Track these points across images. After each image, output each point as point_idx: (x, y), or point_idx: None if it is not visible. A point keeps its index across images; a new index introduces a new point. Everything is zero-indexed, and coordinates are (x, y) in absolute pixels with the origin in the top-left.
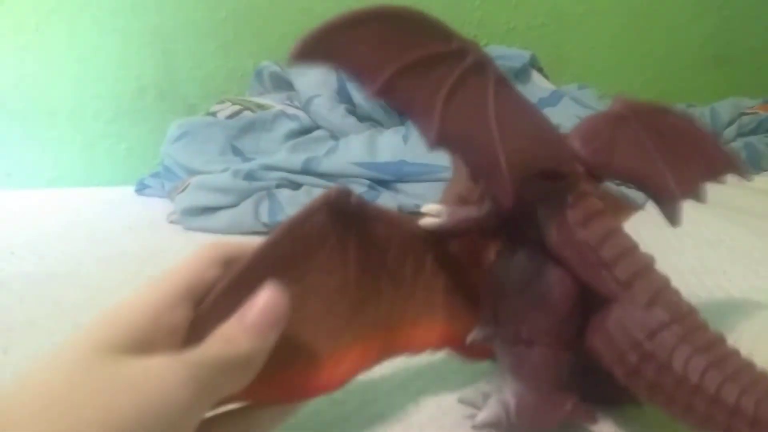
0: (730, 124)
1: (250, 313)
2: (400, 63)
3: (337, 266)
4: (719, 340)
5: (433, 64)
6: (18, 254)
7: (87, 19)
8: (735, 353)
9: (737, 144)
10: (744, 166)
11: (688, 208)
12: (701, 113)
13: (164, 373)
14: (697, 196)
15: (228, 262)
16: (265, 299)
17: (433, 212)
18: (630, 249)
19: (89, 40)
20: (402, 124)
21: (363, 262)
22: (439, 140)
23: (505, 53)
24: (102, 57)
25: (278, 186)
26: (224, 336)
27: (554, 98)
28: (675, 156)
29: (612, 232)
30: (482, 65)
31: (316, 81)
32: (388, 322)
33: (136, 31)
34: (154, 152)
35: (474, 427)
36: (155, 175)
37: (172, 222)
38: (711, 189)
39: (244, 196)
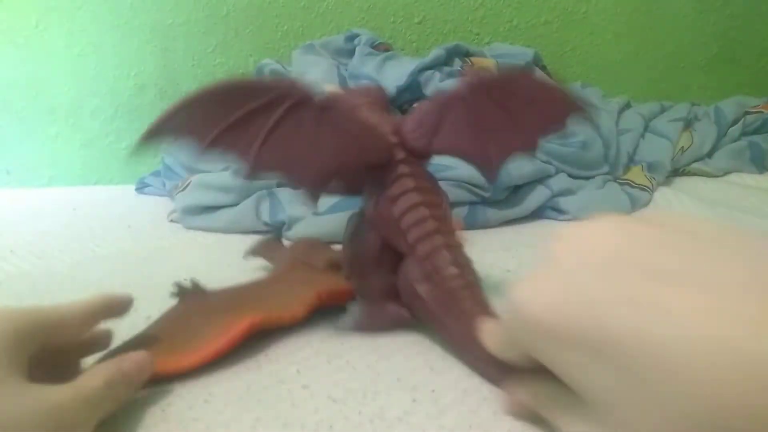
0: (734, 122)
1: (125, 363)
2: (223, 125)
3: (220, 306)
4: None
5: (251, 118)
6: (17, 253)
7: (86, 17)
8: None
9: (742, 143)
10: (589, 108)
11: (691, 208)
12: (705, 112)
13: (58, 397)
14: (533, 151)
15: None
16: (138, 357)
17: None
18: (422, 219)
19: (88, 38)
20: None
21: (231, 302)
22: (252, 171)
23: (508, 51)
24: (101, 54)
25: (279, 185)
26: (104, 374)
27: None
28: (513, 119)
29: (412, 206)
30: (301, 103)
31: (317, 79)
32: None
33: (135, 28)
34: (154, 150)
35: (337, 328)
36: (155, 173)
37: (172, 221)
38: (715, 189)
39: (245, 195)
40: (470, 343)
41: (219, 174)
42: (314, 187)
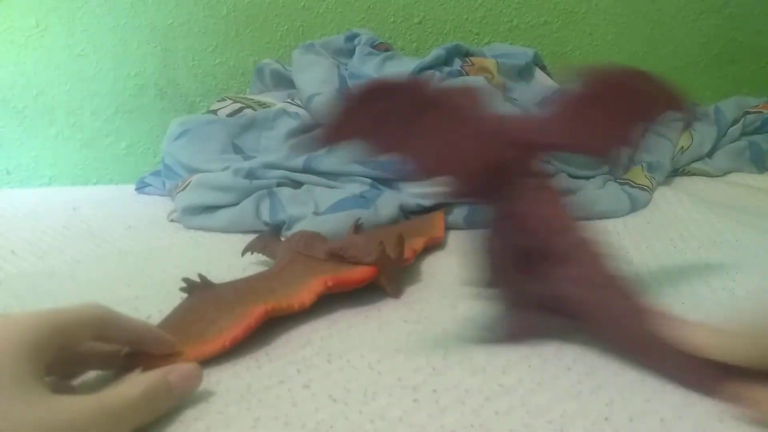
0: (734, 122)
1: (173, 374)
2: (392, 126)
3: (229, 298)
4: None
5: (408, 115)
6: (17, 253)
7: (86, 17)
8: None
9: (742, 143)
10: (688, 106)
11: (692, 210)
12: (706, 112)
13: (80, 408)
14: (634, 142)
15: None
16: (188, 369)
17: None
18: (571, 223)
19: (88, 38)
20: None
21: (240, 294)
22: (420, 174)
23: (508, 51)
24: (101, 54)
25: (279, 185)
26: (145, 385)
27: None
28: (618, 113)
29: (560, 210)
30: (436, 101)
31: (317, 79)
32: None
33: (135, 28)
34: (155, 150)
35: (477, 340)
36: (156, 173)
37: (172, 221)
38: (715, 189)
39: (245, 194)
40: (663, 347)
41: (219, 174)
42: (469, 189)
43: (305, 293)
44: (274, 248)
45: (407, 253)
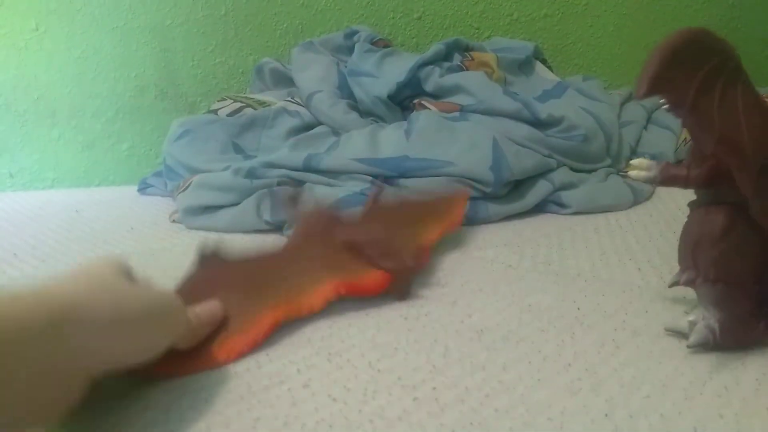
0: None
1: (201, 309)
2: (696, 84)
3: (240, 283)
4: None
5: (710, 79)
6: (20, 256)
7: (86, 19)
8: None
9: None
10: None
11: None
12: None
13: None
14: None
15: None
16: (211, 306)
17: (643, 166)
18: None
19: (88, 40)
20: (404, 119)
21: (250, 274)
22: (717, 146)
23: (508, 45)
24: (101, 56)
25: (280, 183)
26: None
27: (559, 90)
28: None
29: None
30: (736, 70)
31: (316, 77)
32: (285, 298)
33: (135, 29)
34: (156, 151)
35: (689, 346)
36: (157, 174)
37: (174, 221)
38: None
39: (246, 194)
40: None
41: (219, 174)
42: (753, 172)
43: (316, 298)
44: (296, 212)
45: (423, 254)
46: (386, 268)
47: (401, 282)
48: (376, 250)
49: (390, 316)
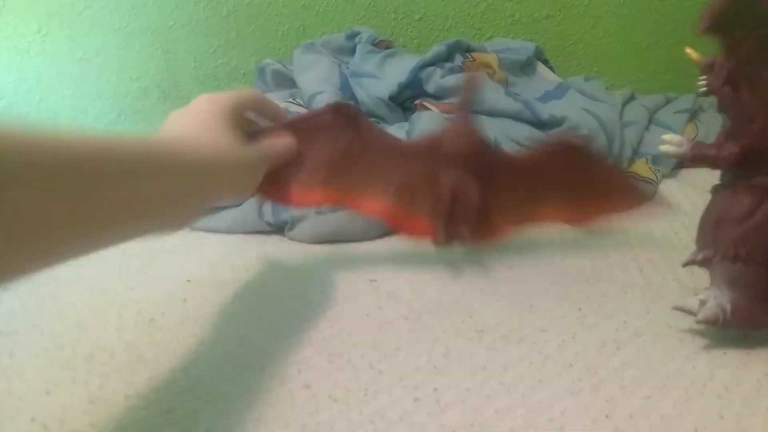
0: None
1: (279, 141)
2: (755, 39)
3: (331, 145)
4: None
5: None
6: None
7: (87, 21)
8: None
9: None
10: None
11: (698, 202)
12: (710, 103)
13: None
14: None
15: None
16: (286, 140)
17: (674, 141)
18: None
19: (90, 42)
20: (406, 120)
21: (348, 150)
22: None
23: (509, 45)
24: (103, 58)
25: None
26: (269, 145)
27: (560, 90)
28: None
29: None
30: None
31: (318, 78)
32: (348, 188)
33: (136, 31)
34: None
35: (697, 321)
36: None
37: None
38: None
39: None
40: None
41: None
42: None
43: (365, 206)
44: (465, 100)
45: (490, 233)
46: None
47: (447, 237)
48: (452, 207)
49: (391, 316)
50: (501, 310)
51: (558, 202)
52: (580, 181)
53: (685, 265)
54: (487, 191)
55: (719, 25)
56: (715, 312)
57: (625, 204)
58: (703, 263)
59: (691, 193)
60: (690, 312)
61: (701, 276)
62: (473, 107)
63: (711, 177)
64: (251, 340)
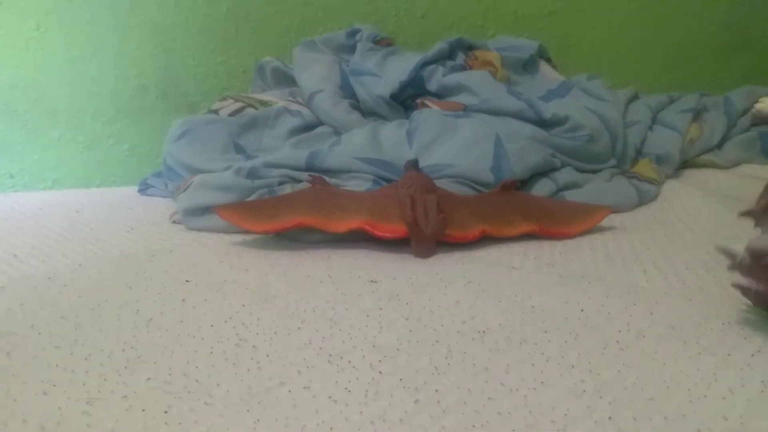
0: (744, 113)
1: None
2: None
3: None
4: None
5: None
6: (20, 257)
7: (86, 19)
8: None
9: (752, 134)
10: None
11: (701, 204)
12: (715, 102)
13: None
14: None
15: None
16: None
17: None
18: None
19: (88, 40)
20: (406, 118)
21: (322, 193)
22: None
23: (512, 43)
24: (102, 56)
25: (281, 183)
26: None
27: (563, 89)
28: None
29: None
30: None
31: (318, 76)
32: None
33: (135, 29)
34: (156, 151)
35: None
36: (158, 174)
37: (174, 222)
38: (725, 181)
39: (247, 194)
40: None
41: (220, 174)
42: None
43: (341, 225)
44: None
45: (466, 235)
46: (406, 223)
47: (420, 243)
48: (408, 208)
49: (391, 317)
50: (503, 312)
51: (522, 220)
52: (536, 208)
53: (742, 215)
54: (450, 206)
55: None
56: (765, 243)
57: (587, 223)
58: (765, 210)
59: (695, 194)
60: (731, 254)
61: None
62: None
63: (715, 176)
64: (250, 341)
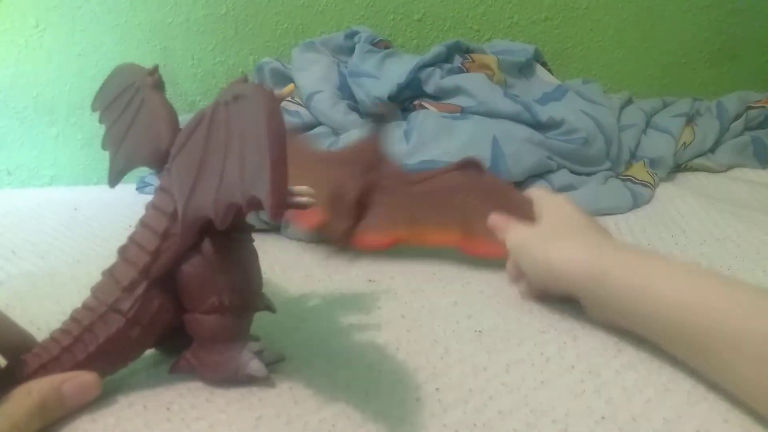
0: (736, 118)
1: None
2: None
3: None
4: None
5: None
6: (19, 254)
7: (86, 17)
8: None
9: (745, 138)
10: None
11: (694, 204)
12: (708, 107)
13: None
14: None
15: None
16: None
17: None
18: None
19: (88, 38)
20: (404, 119)
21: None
22: None
23: (508, 47)
24: (101, 54)
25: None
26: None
27: (559, 93)
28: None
29: None
30: None
31: (317, 77)
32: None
33: (135, 27)
34: None
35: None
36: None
37: None
38: (718, 185)
39: None
40: None
41: None
42: None
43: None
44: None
45: (382, 240)
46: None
47: (329, 231)
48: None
49: (390, 316)
50: (500, 312)
51: (447, 228)
52: (474, 210)
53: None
54: (373, 199)
55: None
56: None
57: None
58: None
59: (688, 197)
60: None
61: None
62: (385, 131)
63: (708, 180)
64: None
